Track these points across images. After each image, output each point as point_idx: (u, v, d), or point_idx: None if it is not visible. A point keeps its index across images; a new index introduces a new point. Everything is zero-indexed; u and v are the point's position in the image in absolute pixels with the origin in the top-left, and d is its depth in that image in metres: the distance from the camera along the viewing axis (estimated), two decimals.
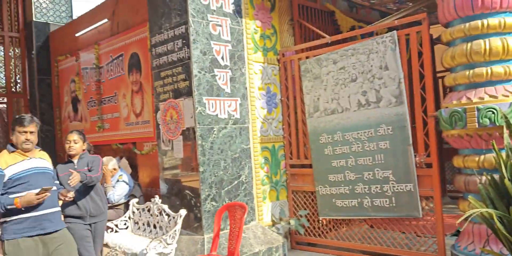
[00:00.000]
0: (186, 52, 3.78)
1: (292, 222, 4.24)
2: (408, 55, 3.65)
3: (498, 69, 3.04)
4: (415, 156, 3.52)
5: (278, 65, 4.50)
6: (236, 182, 3.97)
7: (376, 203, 3.76)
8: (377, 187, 3.74)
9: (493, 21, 3.03)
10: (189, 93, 3.77)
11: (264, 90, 4.37)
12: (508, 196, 2.55)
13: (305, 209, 4.37)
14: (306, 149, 4.38)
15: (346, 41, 4.10)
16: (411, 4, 5.27)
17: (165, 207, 3.76)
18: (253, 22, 4.27)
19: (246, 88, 4.15)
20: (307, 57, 4.28)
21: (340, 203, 4.02)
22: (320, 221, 4.37)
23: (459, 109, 3.12)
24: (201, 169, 3.70)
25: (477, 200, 2.69)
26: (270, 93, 4.43)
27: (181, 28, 3.82)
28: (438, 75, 6.14)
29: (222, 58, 3.95)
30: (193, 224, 3.79)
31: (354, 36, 4.43)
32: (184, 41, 3.80)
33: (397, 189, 3.62)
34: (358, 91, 3.85)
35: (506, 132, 2.65)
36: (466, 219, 2.98)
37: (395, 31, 3.58)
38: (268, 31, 4.41)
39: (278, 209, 4.43)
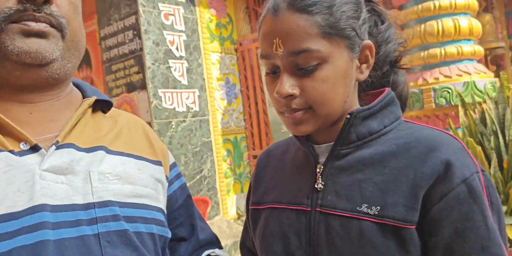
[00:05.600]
0: (138, 44, 3.62)
1: None
2: None
3: (451, 49, 3.07)
4: None
5: (236, 54, 4.41)
6: (198, 176, 3.87)
7: None
8: None
9: (444, 2, 3.06)
10: (143, 86, 3.62)
11: (223, 80, 4.26)
12: None
13: None
14: (268, 139, 4.33)
15: None
16: None
17: None
18: (208, 11, 4.15)
19: (204, 79, 4.03)
20: None
21: None
22: None
23: (416, 91, 3.14)
24: None
25: None
26: (229, 84, 4.33)
27: (131, 18, 3.65)
28: None
29: (177, 48, 3.81)
30: None
31: None
32: (135, 32, 3.64)
33: None
34: None
35: (461, 111, 2.68)
36: None
37: None
38: (223, 19, 4.30)
39: (243, 202, 4.36)
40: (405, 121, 0.73)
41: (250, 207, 0.82)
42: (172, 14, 3.80)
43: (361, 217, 0.63)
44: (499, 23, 5.10)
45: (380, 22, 0.75)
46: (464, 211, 0.60)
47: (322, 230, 0.66)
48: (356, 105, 0.72)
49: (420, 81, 3.16)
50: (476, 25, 3.12)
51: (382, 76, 0.76)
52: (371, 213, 0.63)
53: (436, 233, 0.61)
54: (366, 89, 0.76)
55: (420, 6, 3.12)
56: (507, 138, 2.51)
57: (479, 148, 2.43)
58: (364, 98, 0.76)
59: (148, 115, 3.59)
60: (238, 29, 4.43)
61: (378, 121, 0.69)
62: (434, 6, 3.06)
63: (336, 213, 0.66)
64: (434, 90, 3.04)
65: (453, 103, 2.98)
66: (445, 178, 0.61)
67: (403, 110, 0.79)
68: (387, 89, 0.73)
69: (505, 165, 2.45)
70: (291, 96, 0.66)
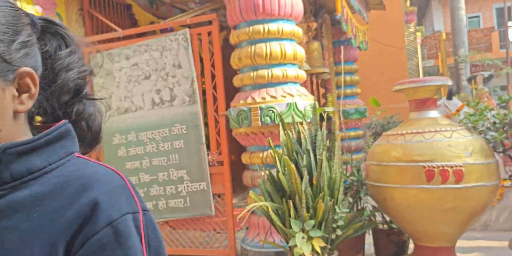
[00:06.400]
0: None
1: None
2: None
3: (277, 72, 3.28)
4: (208, 154, 3.56)
5: None
6: None
7: (171, 204, 3.68)
8: (172, 188, 3.66)
9: (273, 27, 3.26)
10: None
11: None
12: (283, 189, 2.75)
13: None
14: (98, 152, 4.03)
15: (143, 36, 3.92)
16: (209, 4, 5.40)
17: None
18: (32, 7, 3.71)
19: None
20: (98, 51, 3.93)
21: None
22: None
23: (245, 108, 3.26)
24: None
25: (257, 195, 2.84)
26: None
27: None
28: None
29: None
30: None
31: (153, 31, 4.28)
32: None
33: (191, 188, 3.60)
34: (152, 89, 3.70)
35: (281, 130, 2.86)
36: (252, 212, 3.11)
37: (187, 29, 3.55)
38: None
39: None
40: (78, 156, 0.65)
41: None
42: None
43: None
44: (326, 50, 5.70)
45: (64, 47, 0.69)
46: None
47: None
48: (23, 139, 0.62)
49: (249, 100, 3.30)
50: (300, 51, 3.39)
51: (63, 106, 0.68)
52: None
53: None
54: (48, 121, 0.68)
55: (251, 28, 3.27)
56: (317, 157, 2.74)
57: (292, 165, 2.60)
58: (43, 131, 0.66)
59: None
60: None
61: (44, 157, 0.60)
62: (264, 29, 3.23)
63: None
64: (261, 109, 3.20)
65: (276, 122, 3.16)
66: (90, 221, 0.54)
67: (94, 144, 0.72)
68: (62, 121, 0.65)
69: (314, 182, 2.66)
70: None
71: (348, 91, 5.88)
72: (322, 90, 6.66)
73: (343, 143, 5.12)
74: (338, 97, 5.72)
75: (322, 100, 6.43)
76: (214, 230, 3.76)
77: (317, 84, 6.56)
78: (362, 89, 6.20)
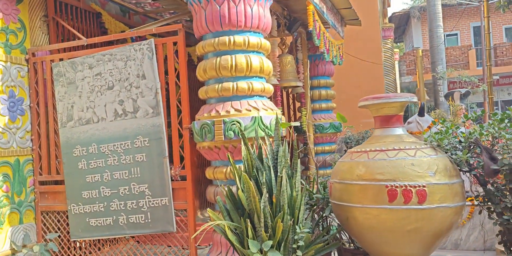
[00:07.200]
0: None
1: (36, 248, 3.64)
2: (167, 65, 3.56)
3: (242, 84, 3.18)
4: (170, 168, 3.42)
5: (27, 65, 3.88)
6: None
7: (132, 220, 3.51)
8: (133, 203, 3.51)
9: (239, 38, 3.17)
10: None
11: (5, 94, 3.68)
12: (242, 207, 2.63)
13: (56, 231, 3.83)
14: (58, 163, 3.86)
15: (112, 45, 3.80)
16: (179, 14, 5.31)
17: None
18: None
19: None
20: (61, 59, 3.80)
21: (94, 222, 3.64)
22: (78, 244, 3.90)
23: (209, 122, 3.15)
24: None
25: (218, 212, 2.72)
26: (14, 98, 3.76)
27: None
28: None
29: None
30: None
31: (124, 40, 4.16)
32: None
33: (152, 203, 3.45)
34: (115, 100, 3.57)
35: (243, 145, 2.75)
36: (215, 229, 2.98)
37: (152, 39, 3.45)
38: (13, 25, 3.76)
39: (22, 235, 3.76)
40: None
41: None
42: None
43: None
44: (301, 64, 5.65)
45: None
46: None
47: None
48: None
49: (213, 113, 3.19)
50: (268, 64, 3.31)
51: None
52: None
53: None
54: None
55: (217, 39, 3.18)
56: (278, 173, 2.64)
57: (251, 182, 2.49)
58: None
59: None
60: (32, 37, 3.92)
61: None
62: (229, 41, 3.15)
63: None
64: (225, 122, 3.10)
65: (240, 137, 3.06)
66: None
67: None
68: None
69: (274, 200, 2.56)
70: None
71: (324, 105, 5.84)
72: (298, 104, 6.60)
73: (316, 157, 5.04)
74: (314, 111, 5.67)
75: (298, 114, 6.36)
76: (181, 245, 3.62)
77: (292, 97, 6.50)
78: (338, 103, 6.16)
